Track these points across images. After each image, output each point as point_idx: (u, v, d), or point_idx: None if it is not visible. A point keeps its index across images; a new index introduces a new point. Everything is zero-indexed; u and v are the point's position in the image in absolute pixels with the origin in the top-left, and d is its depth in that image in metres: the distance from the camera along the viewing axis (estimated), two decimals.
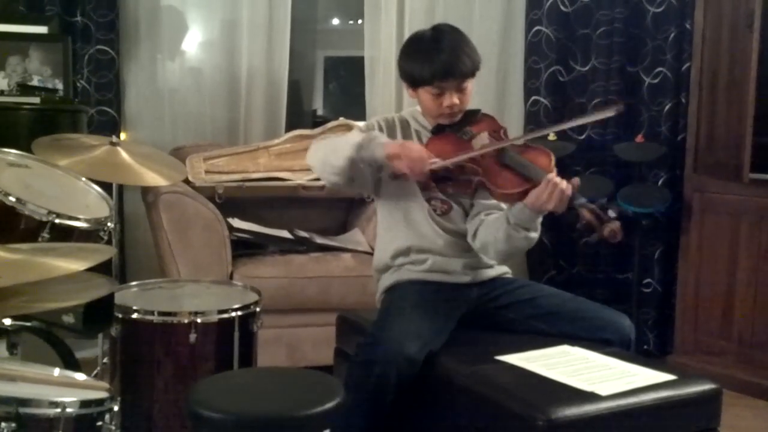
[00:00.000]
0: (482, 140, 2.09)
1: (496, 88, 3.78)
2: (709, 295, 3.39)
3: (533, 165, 1.98)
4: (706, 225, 3.40)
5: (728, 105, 3.28)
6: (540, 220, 2.02)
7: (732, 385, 3.02)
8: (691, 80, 3.44)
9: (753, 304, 3.22)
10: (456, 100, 2.08)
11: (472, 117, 2.15)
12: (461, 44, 2.08)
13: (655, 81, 3.57)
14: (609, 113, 2.10)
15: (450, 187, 2.09)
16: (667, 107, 3.53)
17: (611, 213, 1.90)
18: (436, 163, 1.99)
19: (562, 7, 3.64)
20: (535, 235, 2.03)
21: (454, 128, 2.13)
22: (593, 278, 3.71)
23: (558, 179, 1.91)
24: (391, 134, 2.18)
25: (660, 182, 3.54)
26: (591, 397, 1.69)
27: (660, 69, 3.54)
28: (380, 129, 2.18)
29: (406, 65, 2.13)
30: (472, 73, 2.08)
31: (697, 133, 3.41)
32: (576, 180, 1.94)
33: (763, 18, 3.05)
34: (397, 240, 2.19)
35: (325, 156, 2.06)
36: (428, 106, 2.13)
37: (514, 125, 3.62)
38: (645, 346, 3.60)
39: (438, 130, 2.14)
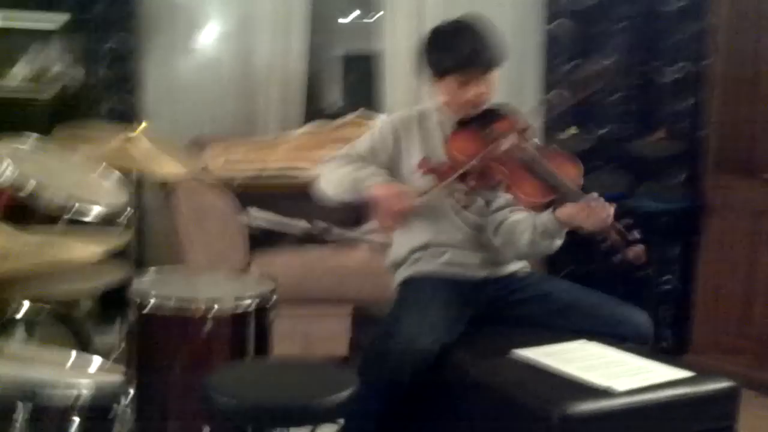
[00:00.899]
0: (507, 140, 2.02)
1: (514, 81, 3.76)
2: (728, 293, 3.35)
3: (562, 176, 1.93)
4: (725, 222, 3.36)
5: (749, 102, 3.25)
6: (566, 230, 1.99)
7: (750, 385, 2.97)
8: (711, 76, 3.40)
9: None
10: (482, 89, 2.05)
11: (497, 112, 2.11)
12: (487, 34, 2.06)
13: (676, 77, 3.53)
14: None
15: (473, 180, 2.02)
16: (687, 103, 3.50)
17: (636, 233, 1.86)
18: (463, 165, 1.98)
19: (582, 0, 3.62)
20: (559, 242, 2.01)
21: (478, 123, 2.08)
22: (612, 274, 3.68)
23: (604, 204, 1.86)
24: (408, 134, 2.16)
25: (679, 179, 3.51)
26: (606, 392, 1.67)
27: (680, 64, 3.51)
28: (395, 131, 2.16)
29: (430, 55, 2.10)
30: (497, 63, 2.06)
31: (717, 129, 3.38)
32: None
33: None
34: (416, 235, 2.18)
35: (336, 187, 2.16)
36: (453, 96, 2.09)
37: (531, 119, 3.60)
38: (663, 343, 3.57)
39: (462, 124, 2.10)
